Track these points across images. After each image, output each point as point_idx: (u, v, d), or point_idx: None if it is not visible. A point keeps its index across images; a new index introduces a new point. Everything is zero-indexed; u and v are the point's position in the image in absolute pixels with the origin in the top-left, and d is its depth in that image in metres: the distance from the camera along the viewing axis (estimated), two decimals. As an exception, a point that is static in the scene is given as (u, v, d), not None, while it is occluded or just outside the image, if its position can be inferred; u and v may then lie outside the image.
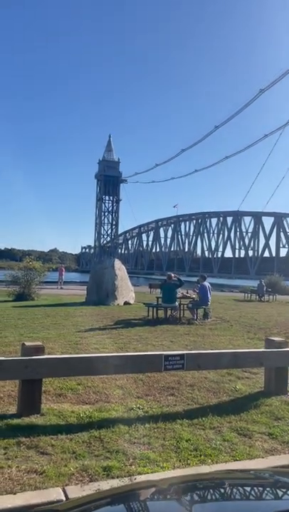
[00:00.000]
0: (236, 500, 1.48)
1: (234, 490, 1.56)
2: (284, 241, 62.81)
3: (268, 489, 1.56)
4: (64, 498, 2.64)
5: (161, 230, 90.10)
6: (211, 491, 1.57)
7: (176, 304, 12.05)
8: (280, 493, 1.51)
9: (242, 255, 69.89)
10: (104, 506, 1.47)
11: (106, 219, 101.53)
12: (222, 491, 1.57)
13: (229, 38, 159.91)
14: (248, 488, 1.56)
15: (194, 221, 79.66)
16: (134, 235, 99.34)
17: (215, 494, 1.54)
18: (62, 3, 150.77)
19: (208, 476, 2.13)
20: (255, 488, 1.57)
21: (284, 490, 1.52)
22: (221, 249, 73.62)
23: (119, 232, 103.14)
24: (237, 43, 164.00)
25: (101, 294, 16.42)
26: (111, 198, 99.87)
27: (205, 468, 3.11)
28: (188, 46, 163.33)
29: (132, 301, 16.89)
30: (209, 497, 1.52)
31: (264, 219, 66.13)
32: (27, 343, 4.50)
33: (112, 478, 3.02)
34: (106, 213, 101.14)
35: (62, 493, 2.76)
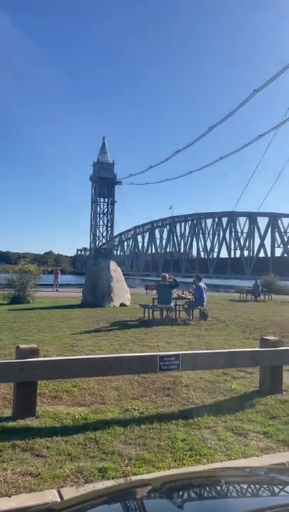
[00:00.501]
0: (231, 497, 1.49)
1: (229, 487, 1.56)
2: (279, 241, 63.09)
3: (262, 486, 1.57)
4: (59, 500, 2.64)
5: (157, 232, 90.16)
6: (206, 488, 1.58)
7: (172, 304, 12.07)
8: (275, 490, 1.52)
9: (237, 255, 70.06)
10: (100, 505, 1.48)
11: (101, 221, 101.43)
12: (217, 488, 1.58)
13: (228, 39, 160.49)
14: (243, 485, 1.57)
15: (189, 222, 79.75)
16: (129, 236, 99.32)
17: (211, 491, 1.55)
18: (60, 3, 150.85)
19: (203, 474, 2.14)
20: (249, 485, 1.58)
21: (279, 486, 1.54)
22: (216, 249, 73.78)
23: (115, 234, 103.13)
24: (236, 44, 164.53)
25: (97, 296, 16.41)
26: (106, 199, 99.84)
27: (200, 468, 3.12)
28: (185, 47, 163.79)
29: (127, 303, 16.89)
30: (205, 494, 1.53)
31: (259, 219, 66.41)
32: (21, 346, 4.49)
33: (108, 479, 3.03)
34: (101, 215, 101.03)
35: (57, 495, 2.76)
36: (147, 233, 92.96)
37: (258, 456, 3.50)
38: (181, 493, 1.57)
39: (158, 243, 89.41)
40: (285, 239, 62.44)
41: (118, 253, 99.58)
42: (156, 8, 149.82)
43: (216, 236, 73.93)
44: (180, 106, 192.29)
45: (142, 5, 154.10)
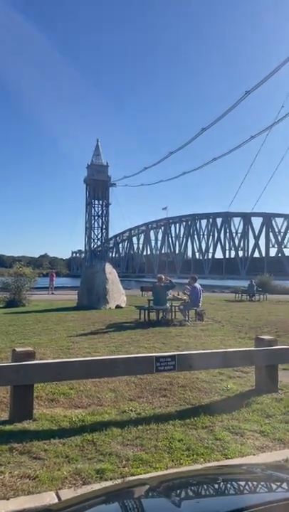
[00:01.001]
0: (228, 494, 1.51)
1: (227, 484, 1.58)
2: (273, 241, 63.37)
3: (259, 483, 1.59)
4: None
5: (152, 233, 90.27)
6: (203, 486, 1.60)
7: (168, 305, 12.09)
8: (272, 486, 1.54)
9: (232, 256, 70.32)
10: (98, 505, 1.49)
11: (96, 223, 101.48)
12: (214, 485, 1.59)
13: (227, 40, 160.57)
14: (240, 483, 1.59)
15: (184, 223, 79.91)
16: (124, 238, 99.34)
17: (208, 489, 1.56)
18: (58, 2, 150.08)
19: (200, 472, 2.15)
20: (246, 482, 1.60)
21: (276, 483, 1.55)
22: (211, 250, 74.04)
23: (110, 236, 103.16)
24: (235, 44, 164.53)
25: (92, 298, 16.39)
26: (100, 202, 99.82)
27: (197, 467, 3.14)
28: (179, 47, 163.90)
29: (123, 305, 16.89)
30: (202, 492, 1.54)
31: (253, 219, 66.69)
32: (17, 349, 4.49)
33: (106, 480, 3.04)
34: (96, 217, 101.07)
35: (55, 497, 2.77)
36: (142, 235, 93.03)
37: (254, 454, 3.52)
38: (178, 491, 1.58)
39: (153, 244, 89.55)
40: (279, 239, 62.77)
41: (113, 255, 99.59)
42: (154, 8, 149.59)
43: (211, 237, 74.24)
44: (175, 107, 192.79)
45: (138, 5, 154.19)
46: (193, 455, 3.45)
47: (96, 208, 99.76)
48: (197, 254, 77.53)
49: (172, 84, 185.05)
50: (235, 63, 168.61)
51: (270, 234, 63.47)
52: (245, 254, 67.14)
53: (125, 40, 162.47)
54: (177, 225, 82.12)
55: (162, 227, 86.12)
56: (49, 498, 2.73)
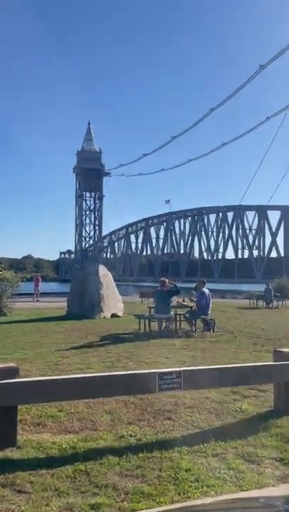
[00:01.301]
0: None
1: None
2: (293, 238, 63.46)
3: None
4: None
5: (152, 230, 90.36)
6: None
7: (171, 314, 12.11)
8: None
9: (246, 256, 70.43)
10: None
11: (88, 219, 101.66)
12: None
13: (230, 23, 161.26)
14: None
15: (190, 218, 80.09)
16: (120, 236, 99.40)
17: None
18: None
19: (211, 507, 2.15)
20: None
21: None
22: (221, 249, 74.17)
23: (104, 234, 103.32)
24: (237, 27, 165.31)
25: (84, 305, 16.43)
26: (92, 194, 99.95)
27: (208, 501, 3.14)
28: (180, 28, 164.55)
29: (120, 313, 16.93)
30: None
31: (270, 213, 66.79)
32: (-2, 365, 4.49)
33: (102, 516, 3.04)
34: (87, 212, 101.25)
35: (43, 536, 2.77)
36: (141, 232, 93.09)
37: (273, 485, 3.53)
38: None
39: (154, 243, 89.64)
40: (300, 236, 62.86)
41: (108, 256, 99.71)
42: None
43: (221, 234, 74.33)
44: (178, 86, 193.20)
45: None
46: (202, 487, 3.46)
47: (88, 202, 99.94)
48: (205, 255, 77.75)
49: (173, 64, 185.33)
50: (241, 46, 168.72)
51: (290, 230, 63.55)
52: (261, 254, 67.25)
53: (126, 20, 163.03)
54: (182, 220, 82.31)
55: (164, 224, 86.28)
56: (36, 537, 2.73)
